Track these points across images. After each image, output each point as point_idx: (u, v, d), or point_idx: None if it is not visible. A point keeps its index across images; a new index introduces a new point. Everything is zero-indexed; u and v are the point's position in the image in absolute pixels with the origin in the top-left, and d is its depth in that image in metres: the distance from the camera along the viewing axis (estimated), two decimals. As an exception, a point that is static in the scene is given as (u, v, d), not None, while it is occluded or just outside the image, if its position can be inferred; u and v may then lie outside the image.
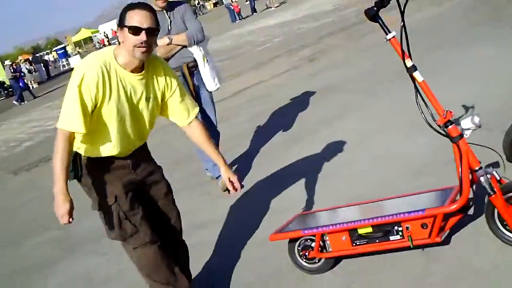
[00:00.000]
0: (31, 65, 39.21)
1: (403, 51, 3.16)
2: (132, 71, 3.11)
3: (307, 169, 5.42)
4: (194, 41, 5.31)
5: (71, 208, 2.99)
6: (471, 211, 3.24)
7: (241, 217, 4.86)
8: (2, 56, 55.92)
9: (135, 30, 2.98)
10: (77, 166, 3.17)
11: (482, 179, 3.07)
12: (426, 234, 3.18)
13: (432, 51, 8.15)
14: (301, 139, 6.53)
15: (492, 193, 3.04)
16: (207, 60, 5.45)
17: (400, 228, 3.24)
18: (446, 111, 3.13)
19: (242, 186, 3.46)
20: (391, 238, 3.28)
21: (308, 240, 3.50)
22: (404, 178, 4.48)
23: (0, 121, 20.89)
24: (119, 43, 3.13)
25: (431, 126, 3.18)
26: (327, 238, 3.44)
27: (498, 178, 3.09)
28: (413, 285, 3.16)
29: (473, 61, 7.02)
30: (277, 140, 6.87)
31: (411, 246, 3.19)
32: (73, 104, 2.94)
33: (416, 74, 3.20)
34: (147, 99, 3.21)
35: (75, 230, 5.75)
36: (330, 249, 3.45)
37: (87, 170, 3.21)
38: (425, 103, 3.19)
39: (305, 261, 3.56)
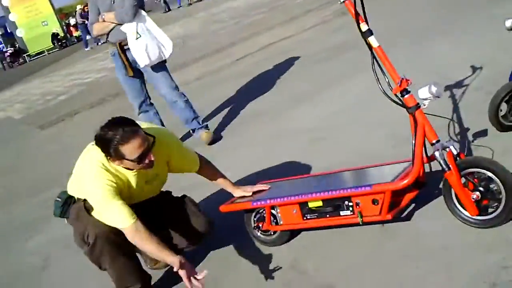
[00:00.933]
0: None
1: (357, 14, 2.91)
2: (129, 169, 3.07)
3: (301, 130, 5.24)
4: (121, 20, 5.41)
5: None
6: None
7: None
8: (62, 8, 56.54)
9: (141, 158, 2.92)
10: (65, 207, 3.24)
11: (436, 154, 2.84)
12: (377, 210, 2.97)
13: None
14: (307, 98, 6.30)
15: (446, 169, 2.80)
16: (139, 36, 5.39)
17: (350, 203, 3.04)
18: (402, 79, 2.88)
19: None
20: (342, 213, 3.09)
21: (263, 212, 3.34)
22: (388, 145, 4.24)
23: (48, 73, 21.26)
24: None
25: (386, 95, 2.93)
26: (278, 210, 3.27)
27: (456, 153, 2.83)
28: (363, 261, 2.97)
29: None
30: (283, 98, 6.70)
31: (361, 223, 3.00)
32: (112, 205, 2.95)
33: (371, 39, 2.95)
34: (149, 182, 3.20)
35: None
36: (281, 222, 3.28)
37: (75, 215, 3.19)
38: (382, 70, 2.95)
39: (260, 233, 3.41)
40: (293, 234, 3.40)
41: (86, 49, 25.85)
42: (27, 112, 12.95)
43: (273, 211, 3.29)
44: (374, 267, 2.90)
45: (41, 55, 34.70)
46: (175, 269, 2.81)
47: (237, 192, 3.49)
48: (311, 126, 5.33)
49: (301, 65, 8.07)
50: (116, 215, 2.94)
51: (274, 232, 3.36)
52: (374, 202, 2.96)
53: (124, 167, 2.99)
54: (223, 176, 3.52)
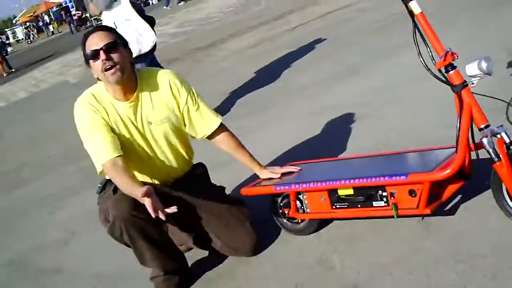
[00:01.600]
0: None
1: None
2: (124, 99, 2.85)
3: (345, 105, 4.87)
4: (97, 6, 5.58)
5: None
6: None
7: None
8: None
9: (94, 55, 2.73)
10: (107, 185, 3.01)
11: (484, 141, 2.45)
12: (414, 203, 2.60)
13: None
14: (357, 70, 5.90)
15: (495, 159, 2.41)
16: (115, 27, 5.14)
17: (384, 193, 2.68)
18: (447, 53, 2.48)
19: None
20: (375, 204, 2.73)
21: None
22: (438, 128, 3.83)
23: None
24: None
25: (429, 70, 2.55)
26: (305, 197, 2.94)
27: (508, 141, 2.43)
28: (394, 260, 2.62)
29: None
30: (333, 70, 6.32)
31: (395, 216, 2.64)
32: (94, 136, 2.77)
33: (412, 4, 2.55)
34: (151, 123, 2.91)
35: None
36: (308, 210, 2.96)
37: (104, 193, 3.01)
38: (425, 41, 2.56)
39: (286, 220, 3.10)
40: (322, 223, 3.08)
41: (166, 8, 26.02)
42: (83, 77, 12.94)
43: (300, 197, 2.97)
44: (405, 268, 2.54)
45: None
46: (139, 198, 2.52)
47: (263, 173, 3.13)
48: (356, 101, 4.96)
49: (357, 34, 7.63)
50: (96, 148, 2.75)
51: (302, 220, 3.05)
52: (412, 193, 2.60)
53: (105, 83, 2.81)
54: (249, 153, 3.13)
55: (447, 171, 2.46)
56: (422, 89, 4.64)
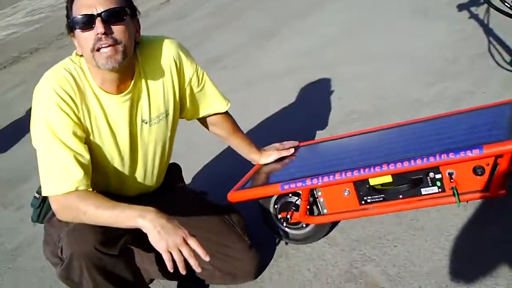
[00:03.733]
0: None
1: None
2: (115, 91, 1.91)
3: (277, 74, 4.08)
4: None
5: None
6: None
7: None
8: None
9: (86, 22, 1.78)
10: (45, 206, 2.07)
11: None
12: (480, 183, 1.92)
13: None
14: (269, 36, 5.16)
15: None
16: None
17: (438, 176, 1.97)
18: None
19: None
20: (424, 191, 2.01)
21: (291, 196, 2.23)
22: (418, 82, 3.24)
23: None
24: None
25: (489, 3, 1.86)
26: (320, 193, 2.17)
27: None
28: (458, 269, 1.93)
29: None
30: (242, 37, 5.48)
31: (458, 204, 1.95)
32: (57, 151, 1.80)
33: None
34: (147, 122, 2.01)
35: None
36: (324, 211, 2.19)
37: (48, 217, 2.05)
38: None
39: (286, 226, 2.30)
40: (334, 224, 2.33)
41: None
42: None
43: (310, 195, 2.18)
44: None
45: None
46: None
47: (262, 158, 2.39)
48: (292, 65, 4.23)
49: None
50: (55, 168, 1.79)
51: (307, 224, 2.27)
52: (477, 171, 1.91)
53: (90, 65, 1.86)
54: (246, 136, 2.43)
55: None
56: (365, 45, 4.07)
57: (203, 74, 2.18)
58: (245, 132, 3.33)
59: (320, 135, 3.14)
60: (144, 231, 1.70)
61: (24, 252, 3.10)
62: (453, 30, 3.82)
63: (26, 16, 15.04)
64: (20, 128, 5.17)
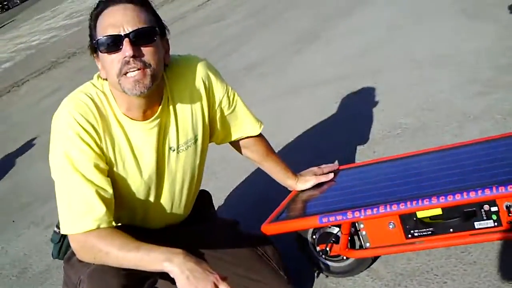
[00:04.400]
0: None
1: None
2: (141, 117, 1.77)
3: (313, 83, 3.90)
4: None
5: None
6: None
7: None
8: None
9: (112, 43, 1.63)
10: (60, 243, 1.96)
11: None
12: (543, 218, 1.72)
13: None
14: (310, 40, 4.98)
15: None
16: None
17: (494, 209, 1.77)
18: None
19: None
20: (478, 224, 1.82)
21: (331, 228, 2.06)
22: (466, 93, 3.04)
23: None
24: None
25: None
26: (362, 226, 1.99)
27: None
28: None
29: None
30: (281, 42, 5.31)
31: (517, 241, 1.75)
32: (74, 186, 1.66)
33: None
34: (174, 149, 1.86)
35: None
36: (367, 244, 2.01)
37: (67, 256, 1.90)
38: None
39: (326, 259, 2.13)
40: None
41: None
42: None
43: (352, 227, 2.01)
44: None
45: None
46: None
47: (299, 184, 2.21)
48: (331, 73, 4.03)
49: None
50: (77, 202, 1.65)
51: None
52: (539, 204, 1.71)
53: (116, 90, 1.71)
54: (281, 160, 2.25)
55: None
56: (409, 49, 3.86)
57: (234, 95, 2.03)
58: (280, 148, 3.21)
59: (360, 152, 2.95)
60: (172, 275, 1.56)
61: (53, 275, 3.00)
62: (504, 34, 3.57)
63: (65, 19, 15.20)
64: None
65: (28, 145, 5.75)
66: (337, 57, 4.45)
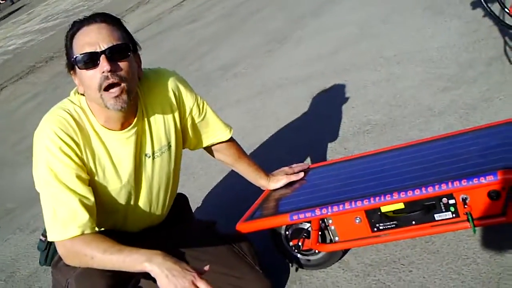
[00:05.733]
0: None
1: None
2: (118, 128, 1.88)
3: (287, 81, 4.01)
4: None
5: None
6: None
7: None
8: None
9: (89, 60, 1.73)
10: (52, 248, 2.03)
11: None
12: (497, 208, 1.85)
13: None
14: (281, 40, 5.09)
15: None
16: None
17: (451, 201, 1.90)
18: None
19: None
20: (438, 216, 1.95)
21: (302, 224, 2.18)
22: (431, 89, 3.17)
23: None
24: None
25: (497, 18, 1.79)
26: (331, 221, 2.11)
27: None
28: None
29: None
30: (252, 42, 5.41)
31: (474, 231, 1.88)
32: (61, 196, 1.76)
33: None
34: (149, 156, 1.98)
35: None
36: (336, 238, 2.13)
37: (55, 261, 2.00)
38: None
39: (298, 252, 2.25)
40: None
41: None
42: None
43: (321, 223, 2.13)
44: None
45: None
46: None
47: (271, 184, 2.34)
48: (305, 72, 4.15)
49: None
50: (61, 211, 1.75)
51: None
52: (492, 195, 1.84)
53: (95, 104, 1.82)
54: (253, 161, 2.36)
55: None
56: (378, 47, 3.98)
57: (203, 104, 2.15)
58: (255, 147, 3.33)
59: (332, 149, 3.08)
60: (152, 275, 1.68)
61: (40, 278, 3.09)
62: (467, 30, 3.71)
63: (41, 22, 15.14)
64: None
65: (10, 151, 5.80)
66: (308, 56, 4.57)
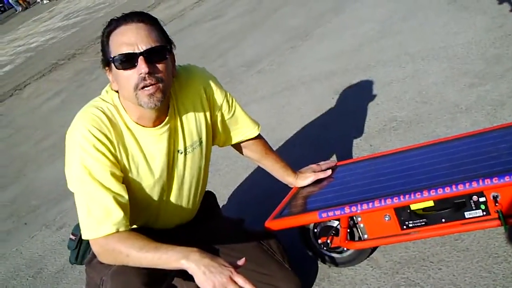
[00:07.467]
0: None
1: None
2: (151, 125, 1.90)
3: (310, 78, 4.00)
4: None
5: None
6: None
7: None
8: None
9: (127, 61, 1.73)
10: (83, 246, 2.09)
11: None
12: (529, 206, 1.84)
13: None
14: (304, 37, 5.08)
15: None
16: None
17: (482, 199, 1.90)
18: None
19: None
20: (468, 214, 1.95)
21: (331, 222, 2.19)
22: (457, 85, 3.15)
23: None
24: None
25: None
26: (360, 219, 2.12)
27: None
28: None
29: None
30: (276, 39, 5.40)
31: (505, 228, 1.88)
32: (96, 194, 1.78)
33: None
34: (182, 152, 2.00)
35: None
36: (365, 236, 2.14)
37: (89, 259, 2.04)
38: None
39: (327, 250, 2.26)
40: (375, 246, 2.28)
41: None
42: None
43: (350, 221, 2.14)
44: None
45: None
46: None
47: (299, 181, 2.34)
48: (328, 68, 4.14)
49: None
50: (96, 209, 1.77)
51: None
52: (524, 193, 1.83)
53: (128, 102, 1.83)
54: (280, 158, 2.37)
55: None
56: (401, 43, 3.96)
57: (232, 100, 2.16)
58: (280, 143, 3.34)
59: (357, 146, 3.08)
60: (190, 272, 1.68)
61: (67, 275, 3.13)
62: (493, 25, 3.68)
63: (63, 20, 15.27)
64: (59, 142, 5.23)
65: (35, 148, 5.87)
66: (331, 53, 4.56)
